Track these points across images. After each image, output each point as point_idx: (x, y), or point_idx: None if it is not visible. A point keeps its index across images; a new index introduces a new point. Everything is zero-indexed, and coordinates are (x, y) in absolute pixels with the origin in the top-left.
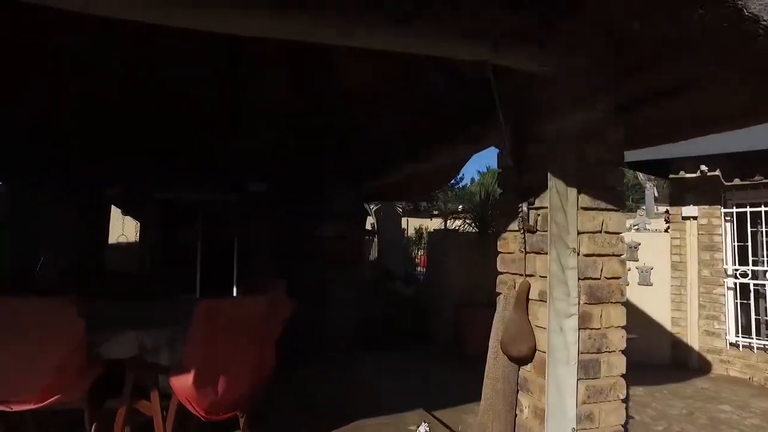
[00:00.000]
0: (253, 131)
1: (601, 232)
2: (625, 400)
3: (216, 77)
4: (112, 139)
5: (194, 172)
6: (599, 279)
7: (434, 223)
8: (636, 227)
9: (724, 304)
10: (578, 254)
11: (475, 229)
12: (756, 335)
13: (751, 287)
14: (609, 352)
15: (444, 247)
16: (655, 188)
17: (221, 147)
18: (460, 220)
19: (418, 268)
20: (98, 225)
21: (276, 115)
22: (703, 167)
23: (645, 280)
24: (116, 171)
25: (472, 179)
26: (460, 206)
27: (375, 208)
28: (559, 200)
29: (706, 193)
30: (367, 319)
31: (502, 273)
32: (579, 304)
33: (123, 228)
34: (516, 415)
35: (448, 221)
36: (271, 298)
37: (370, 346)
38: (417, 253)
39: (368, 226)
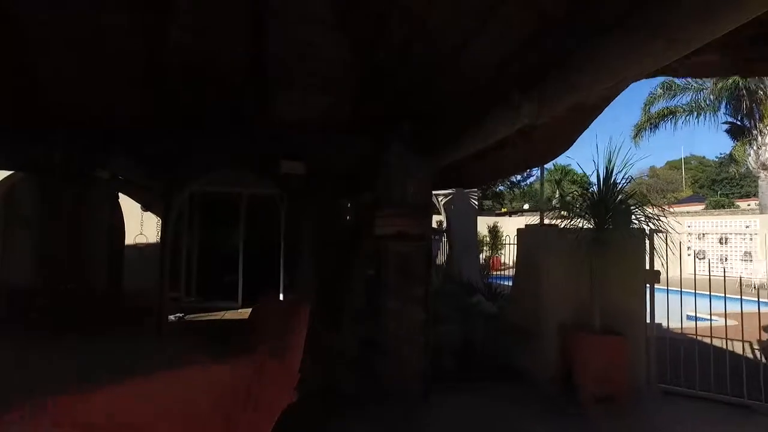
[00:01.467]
0: (290, 93)
1: None
2: None
3: (241, 25)
4: (116, 107)
5: (220, 152)
6: None
7: (506, 222)
8: None
9: None
10: None
11: (589, 225)
12: None
13: None
14: None
15: (542, 249)
16: None
17: (251, 118)
18: (566, 213)
19: (491, 273)
20: (84, 221)
21: (318, 66)
22: None
23: None
24: (122, 146)
25: (536, 176)
26: (526, 205)
27: (444, 201)
28: None
29: None
30: (439, 345)
31: None
32: None
33: (142, 226)
34: None
35: (545, 216)
36: (244, 368)
37: (444, 382)
38: (489, 255)
39: (433, 224)
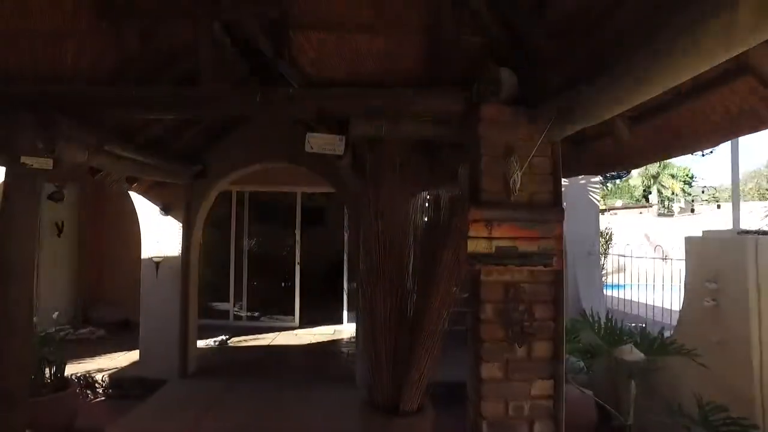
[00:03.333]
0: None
1: None
2: None
3: None
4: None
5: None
6: None
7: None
8: None
9: None
10: None
11: None
12: None
13: None
14: None
15: (752, 274)
16: None
17: (265, 72)
18: None
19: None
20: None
21: None
22: None
23: None
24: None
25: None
26: (619, 201)
27: None
28: None
29: None
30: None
31: None
32: None
33: (159, 237)
34: None
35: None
36: None
37: None
38: None
39: None
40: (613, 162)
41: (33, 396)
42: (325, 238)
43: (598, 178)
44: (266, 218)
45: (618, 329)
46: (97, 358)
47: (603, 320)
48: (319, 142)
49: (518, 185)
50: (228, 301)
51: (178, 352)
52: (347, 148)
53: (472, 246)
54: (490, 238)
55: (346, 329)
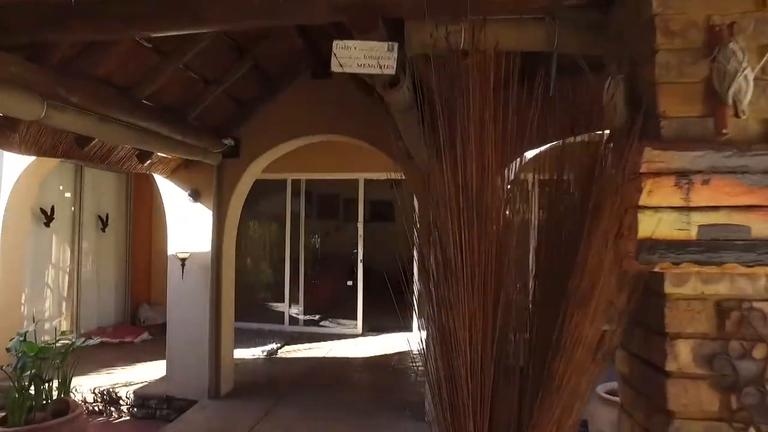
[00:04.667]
0: None
1: None
2: None
3: None
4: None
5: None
6: None
7: None
8: None
9: None
10: None
11: None
12: None
13: None
14: None
15: None
16: None
17: None
18: None
19: None
20: None
21: None
22: None
23: None
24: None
25: None
26: None
27: None
28: None
29: None
30: None
31: None
32: None
33: (186, 228)
34: None
35: None
36: None
37: None
38: None
39: None
40: None
41: (26, 423)
42: (393, 233)
43: None
44: (326, 210)
45: None
46: (131, 366)
47: None
48: (355, 56)
49: (746, 102)
50: (283, 302)
51: (208, 368)
52: (403, 69)
53: (648, 225)
54: (685, 209)
55: (416, 339)
